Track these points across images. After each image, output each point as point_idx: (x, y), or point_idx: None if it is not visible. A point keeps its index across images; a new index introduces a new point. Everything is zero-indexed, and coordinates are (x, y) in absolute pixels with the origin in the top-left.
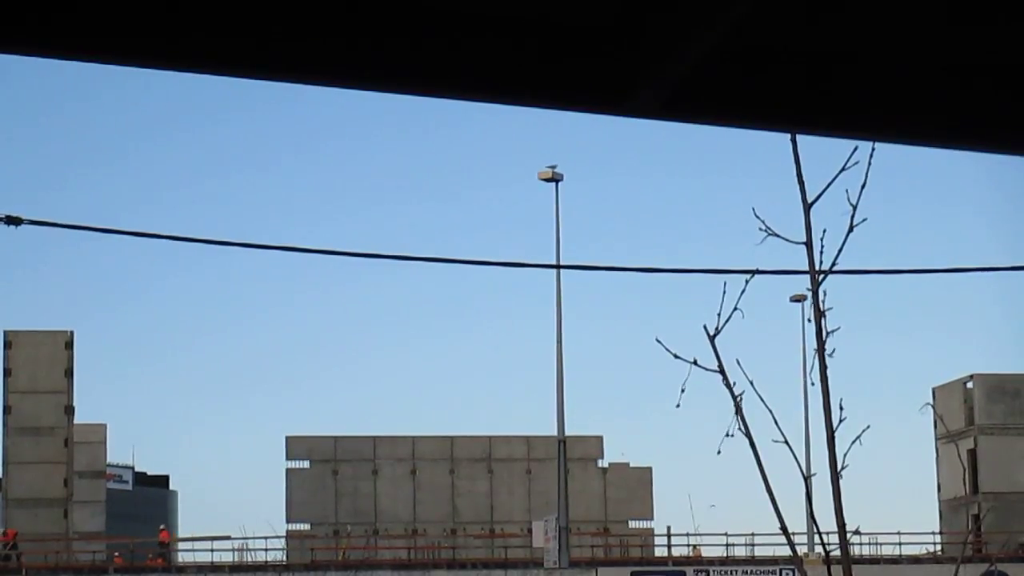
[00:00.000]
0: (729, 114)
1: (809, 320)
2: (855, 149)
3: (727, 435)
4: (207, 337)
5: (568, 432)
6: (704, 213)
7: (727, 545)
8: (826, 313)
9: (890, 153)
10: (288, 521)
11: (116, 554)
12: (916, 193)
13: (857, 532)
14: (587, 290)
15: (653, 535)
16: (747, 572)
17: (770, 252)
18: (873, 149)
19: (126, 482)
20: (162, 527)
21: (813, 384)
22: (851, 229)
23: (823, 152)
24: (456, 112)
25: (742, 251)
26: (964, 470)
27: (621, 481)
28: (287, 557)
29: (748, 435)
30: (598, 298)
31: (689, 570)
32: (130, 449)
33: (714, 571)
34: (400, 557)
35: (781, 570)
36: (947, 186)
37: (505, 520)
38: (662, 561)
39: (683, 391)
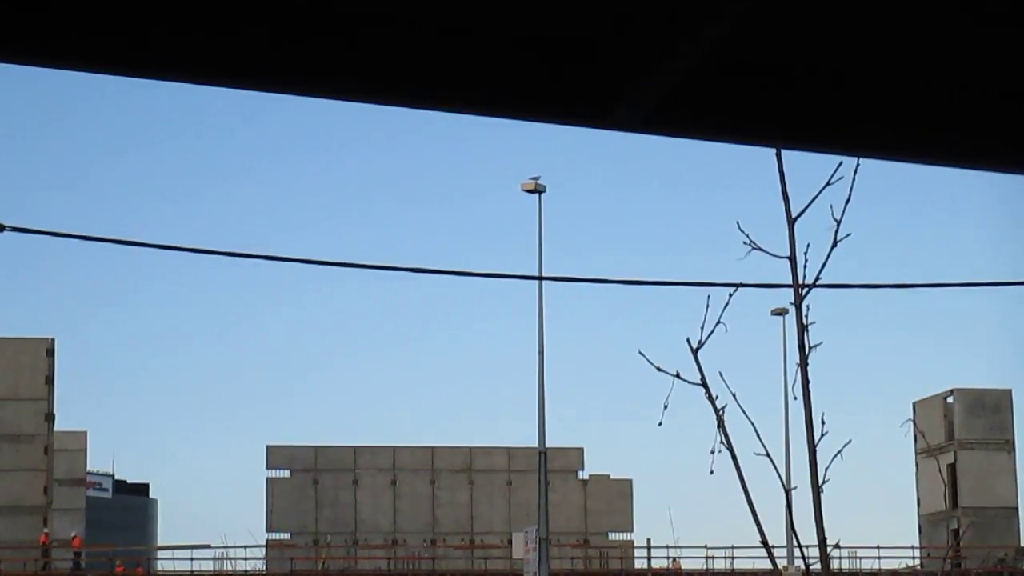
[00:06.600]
0: (712, 128)
1: (796, 336)
2: (840, 164)
3: (712, 452)
4: (188, 345)
5: (549, 444)
6: (688, 226)
7: (707, 558)
8: (808, 327)
9: (873, 165)
10: (268, 530)
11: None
12: (900, 206)
13: (837, 546)
14: (570, 301)
15: (633, 547)
16: None
17: (754, 266)
18: (858, 165)
19: (106, 490)
20: (74, 534)
21: (796, 398)
22: (835, 244)
23: (808, 166)
24: (440, 123)
25: (726, 264)
26: (944, 485)
27: (601, 493)
28: (267, 566)
29: (730, 449)
30: (580, 310)
31: None
32: (110, 457)
33: None
34: (380, 567)
35: None
36: (932, 199)
37: (485, 531)
38: (642, 573)
39: (666, 407)
